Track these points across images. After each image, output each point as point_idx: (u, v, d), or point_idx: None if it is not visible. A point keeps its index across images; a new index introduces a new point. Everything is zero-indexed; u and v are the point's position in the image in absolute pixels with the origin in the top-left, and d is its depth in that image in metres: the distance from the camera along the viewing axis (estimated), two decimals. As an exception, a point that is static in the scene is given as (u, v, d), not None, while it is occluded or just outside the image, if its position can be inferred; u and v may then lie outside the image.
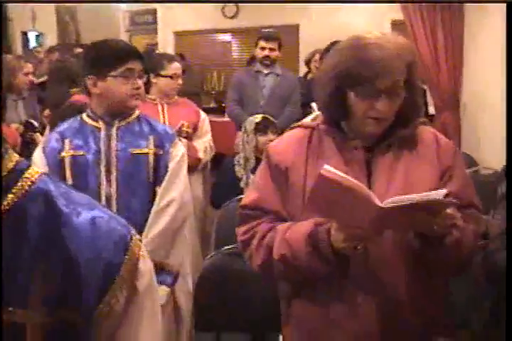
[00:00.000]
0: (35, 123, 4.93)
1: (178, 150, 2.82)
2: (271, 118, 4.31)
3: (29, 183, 0.95)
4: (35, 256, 0.90)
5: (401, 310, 1.88)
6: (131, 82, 2.65)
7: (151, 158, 2.71)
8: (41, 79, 6.89)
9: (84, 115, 2.76)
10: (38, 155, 2.72)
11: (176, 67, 4.26)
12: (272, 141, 3.94)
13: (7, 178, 0.93)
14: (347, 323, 1.89)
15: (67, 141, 2.67)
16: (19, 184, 0.94)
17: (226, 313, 2.64)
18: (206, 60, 11.18)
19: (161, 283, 2.63)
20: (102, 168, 2.64)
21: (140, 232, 2.60)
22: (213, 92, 10.94)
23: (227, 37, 11.37)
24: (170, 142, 2.79)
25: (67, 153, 2.65)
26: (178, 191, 2.75)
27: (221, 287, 2.63)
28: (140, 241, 1.02)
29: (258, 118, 4.29)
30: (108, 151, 2.66)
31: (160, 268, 2.63)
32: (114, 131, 2.70)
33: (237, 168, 4.20)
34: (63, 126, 2.78)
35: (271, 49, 5.74)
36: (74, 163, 2.63)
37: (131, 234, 1.00)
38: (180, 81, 4.28)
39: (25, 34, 9.96)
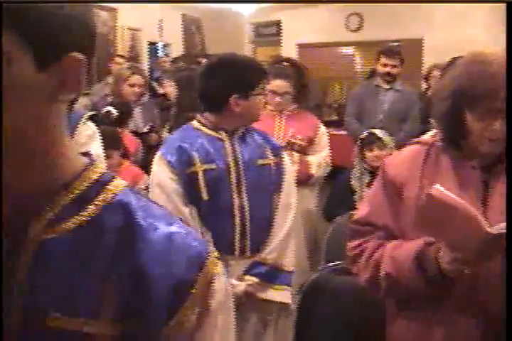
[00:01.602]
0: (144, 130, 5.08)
1: (287, 159, 2.93)
2: (378, 134, 4.15)
3: (111, 195, 0.95)
4: (109, 267, 0.91)
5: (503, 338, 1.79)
6: (262, 98, 2.75)
7: (272, 167, 2.77)
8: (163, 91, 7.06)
9: (197, 123, 2.75)
10: (160, 169, 2.65)
11: (275, 84, 4.13)
12: (377, 156, 3.93)
13: (89, 190, 0.94)
14: None
15: (195, 154, 2.63)
16: (102, 196, 0.94)
17: (324, 331, 2.60)
18: (329, 72, 11.15)
19: (283, 283, 2.77)
20: (233, 180, 2.66)
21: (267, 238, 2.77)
22: (335, 105, 10.85)
23: (350, 50, 11.32)
24: (281, 150, 2.89)
25: (200, 168, 2.62)
26: (296, 197, 2.89)
27: (321, 304, 2.58)
28: (218, 258, 0.99)
29: (364, 133, 4.23)
30: (236, 163, 2.68)
31: (278, 269, 2.76)
32: (235, 142, 2.72)
33: (352, 182, 4.17)
34: (179, 136, 2.74)
35: (393, 66, 5.65)
36: (207, 177, 2.63)
37: (208, 251, 0.98)
38: (277, 98, 4.15)
39: (153, 44, 10.25)
